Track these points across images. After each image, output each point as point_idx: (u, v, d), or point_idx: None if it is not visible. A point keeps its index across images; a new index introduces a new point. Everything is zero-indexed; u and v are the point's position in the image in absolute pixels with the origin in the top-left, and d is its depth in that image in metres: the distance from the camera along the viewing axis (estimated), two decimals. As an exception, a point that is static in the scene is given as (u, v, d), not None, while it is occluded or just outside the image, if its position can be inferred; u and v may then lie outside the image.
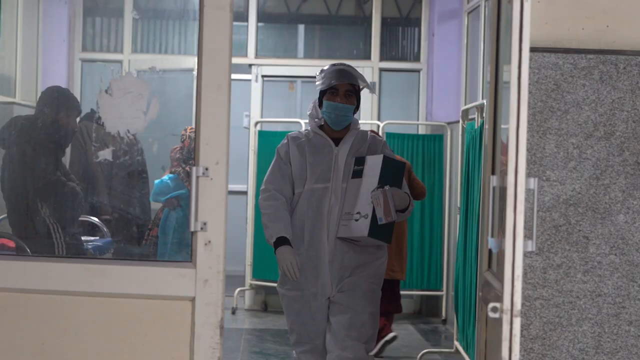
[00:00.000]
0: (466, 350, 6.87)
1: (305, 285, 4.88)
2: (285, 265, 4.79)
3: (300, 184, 4.88)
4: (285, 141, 4.96)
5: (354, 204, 4.77)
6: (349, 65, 4.97)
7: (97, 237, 4.98)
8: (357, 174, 4.82)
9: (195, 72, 6.67)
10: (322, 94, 4.92)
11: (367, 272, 4.91)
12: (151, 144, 3.99)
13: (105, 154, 3.91)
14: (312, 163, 4.86)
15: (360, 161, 4.84)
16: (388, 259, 5.16)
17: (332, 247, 4.83)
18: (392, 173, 4.75)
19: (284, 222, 4.82)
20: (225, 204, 3.57)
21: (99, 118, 3.79)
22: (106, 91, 3.81)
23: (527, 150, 3.51)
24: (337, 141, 4.91)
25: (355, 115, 4.99)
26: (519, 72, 3.16)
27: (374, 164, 4.76)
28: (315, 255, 4.85)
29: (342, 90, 4.85)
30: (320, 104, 4.94)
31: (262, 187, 4.93)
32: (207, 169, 3.55)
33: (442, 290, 9.15)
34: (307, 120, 5.15)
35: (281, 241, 4.81)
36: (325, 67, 4.98)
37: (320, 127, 4.96)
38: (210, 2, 3.52)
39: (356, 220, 4.74)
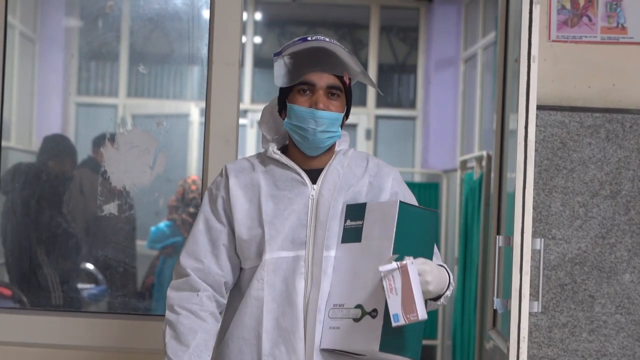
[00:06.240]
0: (464, 403, 6.82)
1: None
2: None
3: (250, 253, 2.78)
4: (220, 177, 2.87)
5: (350, 289, 2.69)
6: (329, 41, 2.83)
7: (92, 285, 4.95)
8: (352, 234, 2.74)
9: (191, 118, 6.66)
10: (285, 91, 2.82)
11: None
12: (157, 197, 3.98)
13: (111, 208, 3.90)
14: (272, 214, 2.76)
15: (355, 212, 2.77)
16: None
17: None
18: (417, 233, 2.71)
19: (196, 344, 2.74)
20: (230, 259, 3.55)
21: (105, 172, 3.78)
22: (111, 143, 3.80)
23: (533, 208, 3.50)
24: (313, 174, 2.82)
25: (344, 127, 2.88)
26: (525, 132, 3.16)
27: (382, 217, 2.69)
28: None
29: (322, 85, 2.76)
30: (282, 109, 2.85)
31: (178, 262, 2.84)
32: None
33: (437, 339, 9.10)
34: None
35: None
36: (289, 43, 2.83)
37: (284, 148, 2.89)
38: (219, 57, 3.52)
39: (355, 319, 2.65)
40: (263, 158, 2.86)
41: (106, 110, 6.93)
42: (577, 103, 3.63)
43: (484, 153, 6.38)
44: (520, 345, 3.14)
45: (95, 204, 4.09)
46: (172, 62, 4.68)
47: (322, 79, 2.75)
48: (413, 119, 9.81)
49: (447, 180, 8.91)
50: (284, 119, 2.82)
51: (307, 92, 2.76)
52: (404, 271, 2.54)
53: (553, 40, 3.63)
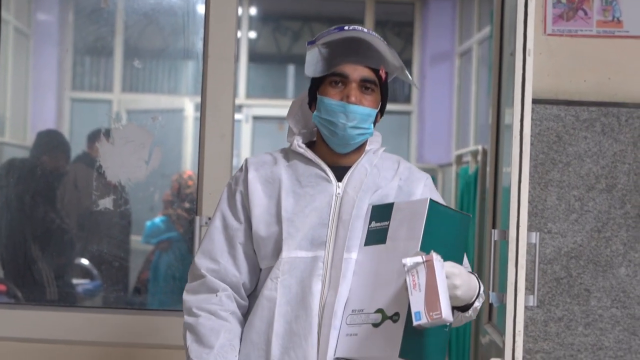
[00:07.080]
0: (458, 397, 6.82)
1: None
2: None
3: (267, 251, 2.59)
4: (240, 171, 2.70)
5: (370, 293, 2.47)
6: (367, 31, 2.60)
7: (87, 280, 4.95)
8: (376, 236, 2.54)
9: (185, 113, 6.64)
10: (316, 82, 2.64)
11: None
12: (152, 192, 3.99)
13: (106, 203, 3.90)
14: (292, 210, 2.58)
15: (381, 212, 2.56)
16: None
17: None
18: (447, 235, 2.48)
19: (220, 345, 2.53)
20: (226, 254, 3.55)
21: (100, 166, 3.79)
22: (106, 138, 3.81)
23: (529, 202, 3.50)
24: (340, 171, 2.63)
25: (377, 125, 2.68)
26: (521, 126, 3.16)
27: (410, 216, 2.49)
28: None
29: (356, 78, 2.55)
30: (312, 102, 2.67)
31: (194, 263, 2.66)
32: (210, 219, 3.53)
33: (432, 334, 9.10)
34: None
35: None
36: (323, 32, 2.64)
37: (310, 144, 2.71)
38: (215, 52, 3.53)
39: (375, 324, 2.41)
40: (287, 152, 2.68)
41: (101, 105, 6.93)
42: (572, 97, 3.62)
43: (480, 147, 6.38)
44: (516, 339, 3.14)
45: (90, 199, 4.09)
46: (167, 57, 4.68)
47: (356, 71, 2.55)
48: (408, 113, 9.81)
49: (443, 174, 8.91)
50: (313, 112, 2.64)
51: (339, 84, 2.56)
52: (429, 265, 2.30)
53: (549, 34, 3.62)
